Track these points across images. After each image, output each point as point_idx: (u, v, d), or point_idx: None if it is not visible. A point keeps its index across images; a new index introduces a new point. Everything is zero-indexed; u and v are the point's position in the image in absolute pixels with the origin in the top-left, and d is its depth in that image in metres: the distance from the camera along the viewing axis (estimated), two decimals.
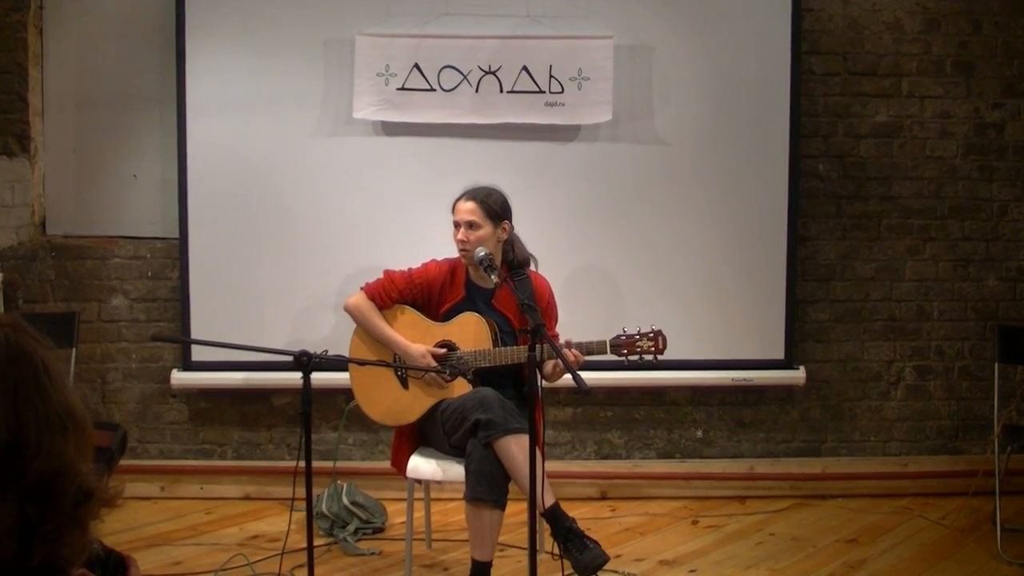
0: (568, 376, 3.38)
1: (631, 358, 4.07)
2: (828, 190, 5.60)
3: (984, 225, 5.67)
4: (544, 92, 5.24)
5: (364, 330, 4.27)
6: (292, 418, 5.53)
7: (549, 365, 4.05)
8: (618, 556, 4.54)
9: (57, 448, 1.17)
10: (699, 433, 5.69)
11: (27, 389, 1.16)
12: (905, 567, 4.52)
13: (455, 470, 4.05)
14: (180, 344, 5.40)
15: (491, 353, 4.12)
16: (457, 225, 4.15)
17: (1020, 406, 5.37)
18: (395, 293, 4.24)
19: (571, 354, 3.94)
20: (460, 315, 4.20)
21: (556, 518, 3.80)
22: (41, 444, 1.15)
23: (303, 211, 5.33)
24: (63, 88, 5.38)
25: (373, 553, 4.68)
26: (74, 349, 4.92)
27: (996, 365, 4.99)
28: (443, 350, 4.19)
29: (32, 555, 1.14)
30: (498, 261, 4.15)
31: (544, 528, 4.10)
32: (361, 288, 4.29)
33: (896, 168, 5.61)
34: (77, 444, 1.21)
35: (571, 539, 3.76)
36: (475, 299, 4.23)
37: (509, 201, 4.23)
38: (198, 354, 5.36)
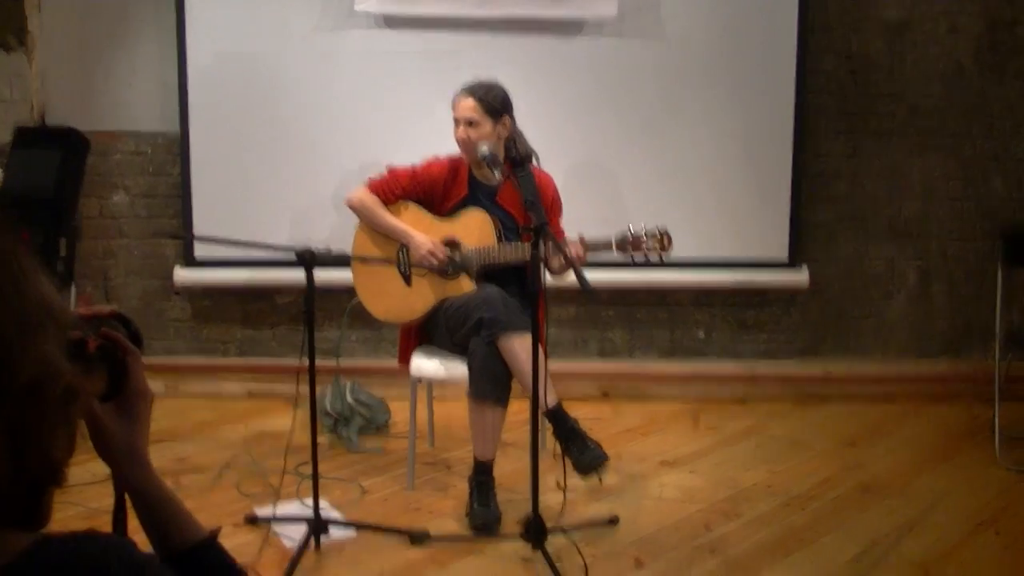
0: (573, 276, 3.36)
1: (636, 257, 4.04)
2: (835, 90, 5.52)
3: (992, 127, 5.60)
4: None
5: (368, 223, 4.23)
6: (295, 316, 5.54)
7: (556, 261, 4.02)
8: (619, 456, 4.57)
9: (40, 351, 1.14)
10: (701, 333, 5.70)
11: (6, 291, 1.13)
12: (903, 470, 4.56)
13: (458, 368, 4.05)
14: (182, 240, 5.37)
15: (495, 250, 4.10)
16: (457, 122, 4.09)
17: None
18: (399, 189, 4.20)
19: (575, 248, 3.91)
20: (464, 211, 4.17)
21: (558, 417, 3.81)
22: (26, 348, 1.12)
23: (305, 106, 5.27)
24: None
25: (376, 450, 4.72)
26: None
27: (999, 268, 4.93)
28: (447, 251, 4.16)
29: (28, 465, 1.13)
30: (500, 157, 4.10)
31: (546, 427, 4.13)
32: (364, 183, 4.25)
33: (904, 68, 5.53)
34: (56, 339, 1.19)
35: (572, 438, 3.78)
36: (478, 196, 4.19)
37: (510, 96, 4.16)
38: (200, 251, 5.35)
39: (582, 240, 3.99)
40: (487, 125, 4.05)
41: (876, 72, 5.51)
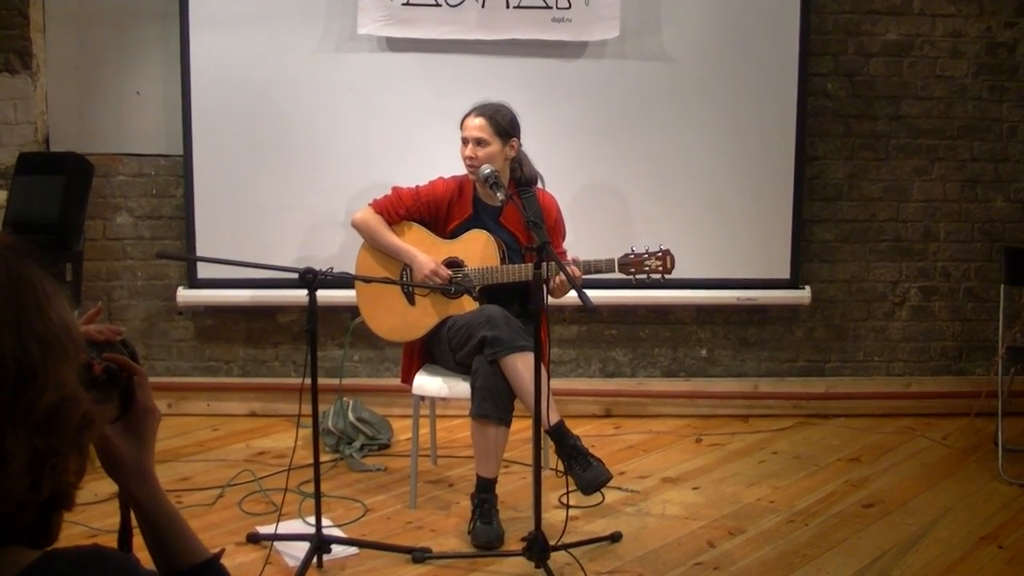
0: (574, 293, 3.37)
1: (639, 277, 4.06)
2: (836, 109, 5.55)
3: (993, 146, 5.63)
4: (551, 7, 5.17)
5: (372, 243, 4.25)
6: (298, 335, 5.55)
7: (556, 280, 4.04)
8: (622, 473, 4.59)
9: (62, 376, 1.16)
10: (704, 352, 5.71)
11: (30, 315, 1.15)
12: (907, 486, 4.56)
13: (461, 387, 4.07)
14: (186, 261, 5.40)
15: (497, 270, 4.12)
16: (465, 141, 4.11)
17: None
18: (403, 209, 4.22)
19: (572, 269, 3.93)
20: (468, 232, 4.19)
21: (561, 435, 3.82)
22: (47, 374, 1.14)
23: (308, 128, 5.30)
24: (64, 4, 5.30)
25: (379, 469, 4.73)
26: None
27: (1002, 287, 4.97)
28: (450, 271, 4.18)
29: (42, 488, 1.14)
30: (505, 178, 4.12)
31: (549, 445, 4.14)
32: (369, 204, 4.27)
33: (905, 87, 5.55)
34: (75, 365, 1.20)
35: (575, 456, 3.79)
36: (482, 217, 4.21)
37: (517, 118, 4.19)
38: (204, 271, 5.36)
39: (575, 261, 4.01)
40: (495, 145, 4.08)
41: (877, 92, 5.54)
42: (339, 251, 5.08)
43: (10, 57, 5.26)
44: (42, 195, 4.80)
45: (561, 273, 3.73)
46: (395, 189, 4.28)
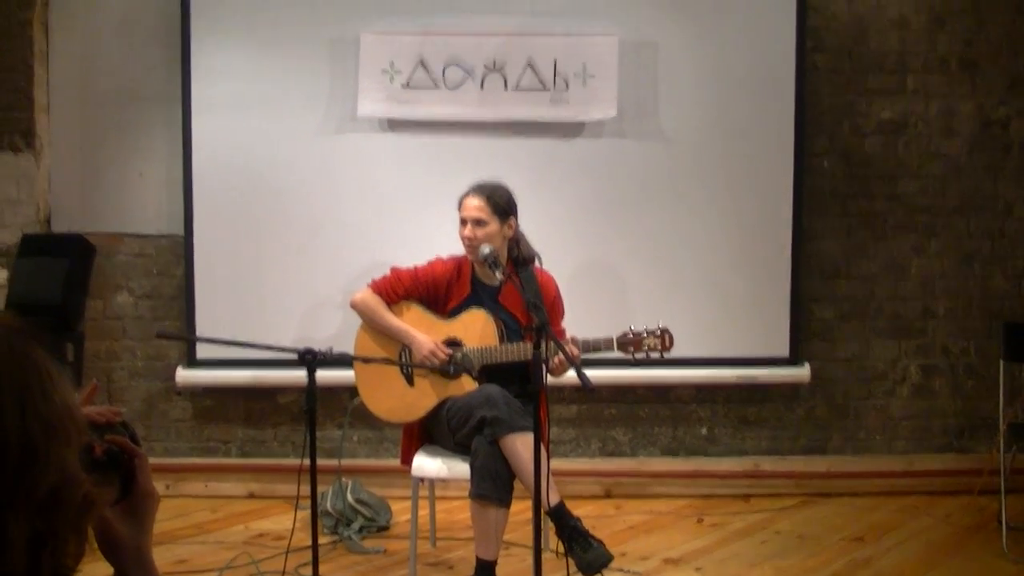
0: (573, 373, 3.37)
1: (638, 356, 4.07)
2: (833, 187, 5.59)
3: (990, 223, 5.66)
4: (549, 89, 5.24)
5: (371, 324, 4.26)
6: (297, 416, 5.53)
7: (555, 360, 4.04)
8: (623, 554, 4.54)
9: (64, 458, 1.16)
10: (704, 431, 5.68)
11: (34, 397, 1.15)
12: (911, 565, 4.52)
13: (460, 468, 4.05)
14: (185, 341, 5.40)
15: (497, 350, 4.12)
16: (464, 221, 4.14)
17: None
18: (401, 290, 4.24)
19: (571, 349, 3.94)
20: (466, 312, 4.20)
21: (561, 516, 3.79)
22: (50, 455, 1.14)
23: (308, 209, 5.34)
24: (69, 85, 5.38)
25: (378, 551, 4.68)
26: None
27: (1002, 363, 4.97)
28: (449, 350, 4.18)
29: (41, 569, 1.14)
30: (504, 258, 4.14)
31: (549, 526, 4.10)
32: (368, 285, 4.29)
33: (901, 165, 5.60)
34: (76, 447, 1.20)
35: (575, 538, 3.76)
36: (481, 296, 4.23)
37: (515, 197, 4.22)
38: (203, 352, 5.37)
39: (574, 340, 4.02)
40: (494, 224, 4.11)
41: (873, 170, 5.58)
42: (338, 331, 5.08)
43: (14, 137, 5.31)
44: (45, 277, 4.82)
45: (560, 353, 3.73)
46: (394, 270, 4.30)
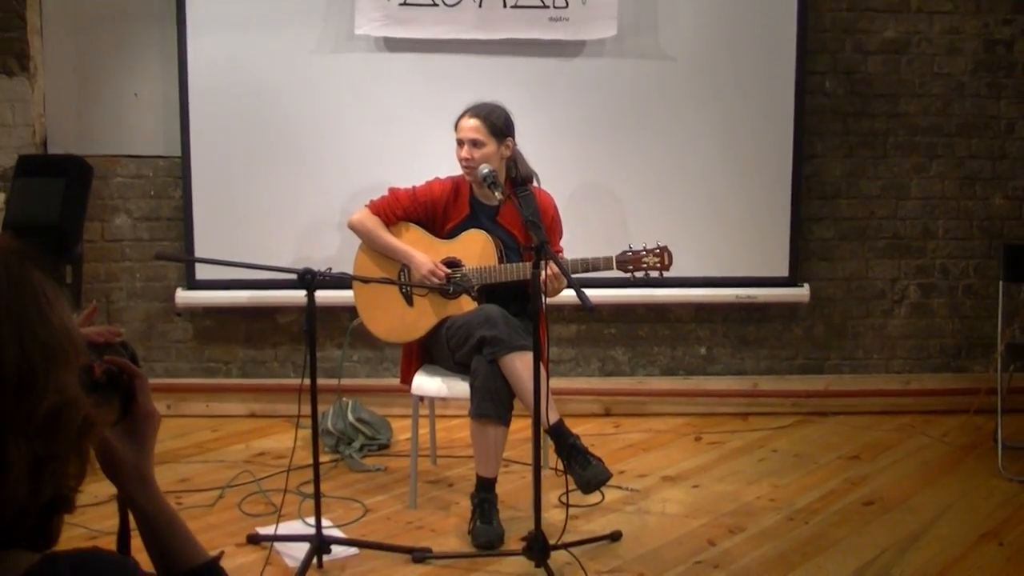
0: (573, 292, 3.37)
1: (637, 274, 4.06)
2: (834, 107, 5.55)
3: (991, 143, 5.63)
4: (548, 7, 5.17)
5: (369, 244, 4.26)
6: (297, 336, 5.55)
7: (549, 271, 3.99)
8: (621, 472, 4.58)
9: (63, 381, 1.16)
10: (703, 350, 5.71)
11: (31, 320, 1.15)
12: (906, 483, 4.56)
13: (460, 387, 4.07)
14: (184, 263, 5.39)
15: (496, 270, 4.12)
16: (460, 143, 4.11)
17: None
18: (400, 210, 4.22)
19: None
20: (465, 232, 4.19)
21: (560, 434, 3.82)
22: (48, 379, 1.14)
23: (305, 129, 5.30)
24: (62, 6, 5.30)
25: (378, 469, 4.73)
26: None
27: (1000, 284, 4.98)
28: (448, 270, 4.18)
29: (42, 492, 1.14)
30: (501, 178, 4.12)
31: (548, 444, 4.13)
32: (366, 205, 4.27)
33: (903, 85, 5.55)
34: (76, 369, 1.20)
35: (574, 455, 3.79)
36: (480, 216, 4.22)
37: (512, 117, 4.19)
38: (202, 272, 5.36)
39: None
40: (491, 145, 4.08)
41: (875, 89, 5.54)
42: (337, 252, 5.07)
43: (7, 59, 5.25)
44: (42, 198, 4.79)
45: (554, 264, 3.69)
46: (392, 190, 4.28)
